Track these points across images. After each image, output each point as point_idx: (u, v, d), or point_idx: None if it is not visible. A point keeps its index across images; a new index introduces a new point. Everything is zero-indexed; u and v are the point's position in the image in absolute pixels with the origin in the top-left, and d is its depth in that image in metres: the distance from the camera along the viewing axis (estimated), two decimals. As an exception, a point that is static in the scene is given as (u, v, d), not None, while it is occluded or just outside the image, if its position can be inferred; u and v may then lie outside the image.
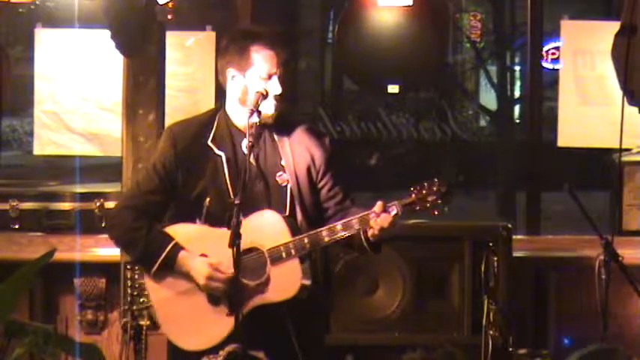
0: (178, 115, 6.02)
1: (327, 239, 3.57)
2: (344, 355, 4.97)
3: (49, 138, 6.23)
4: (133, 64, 5.00)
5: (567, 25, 6.20)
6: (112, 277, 5.28)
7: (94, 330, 5.51)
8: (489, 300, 4.96)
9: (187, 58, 6.18)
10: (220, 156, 3.65)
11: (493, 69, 16.03)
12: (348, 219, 3.58)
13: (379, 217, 3.53)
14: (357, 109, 14.07)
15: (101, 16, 5.08)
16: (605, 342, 4.48)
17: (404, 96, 13.69)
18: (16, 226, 5.80)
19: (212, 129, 3.68)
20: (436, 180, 3.54)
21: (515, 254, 5.19)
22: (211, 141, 3.67)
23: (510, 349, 5.01)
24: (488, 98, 16.35)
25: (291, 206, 3.65)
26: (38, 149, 6.32)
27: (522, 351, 5.12)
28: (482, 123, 17.23)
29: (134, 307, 4.86)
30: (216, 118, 3.72)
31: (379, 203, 3.54)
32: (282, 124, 3.74)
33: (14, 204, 5.82)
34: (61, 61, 6.17)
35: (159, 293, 3.70)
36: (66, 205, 5.86)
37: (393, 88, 6.47)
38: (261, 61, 3.66)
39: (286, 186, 3.67)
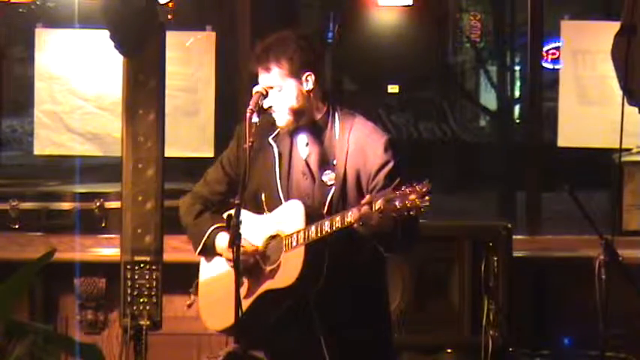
0: (178, 115, 6.06)
1: (327, 229, 3.54)
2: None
3: (49, 138, 6.23)
4: (133, 64, 4.99)
5: (567, 25, 6.20)
6: (112, 277, 5.28)
7: (94, 330, 5.52)
8: (489, 300, 4.96)
9: (187, 58, 6.18)
10: (275, 152, 3.74)
11: (493, 69, 16.00)
12: (345, 211, 3.53)
13: (361, 211, 3.45)
14: (357, 109, 14.04)
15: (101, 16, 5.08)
16: (605, 342, 4.48)
17: (404, 96, 13.65)
18: (16, 226, 5.80)
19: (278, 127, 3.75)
20: (424, 182, 3.39)
21: (515, 254, 5.18)
22: (272, 138, 3.76)
23: (510, 349, 5.01)
24: (489, 98, 16.33)
25: (330, 206, 3.65)
26: (38, 149, 6.32)
27: (522, 351, 5.12)
28: (482, 123, 17.21)
29: (134, 307, 4.87)
30: None
31: (367, 197, 3.48)
32: (347, 122, 3.78)
33: (14, 204, 5.83)
34: (61, 61, 6.17)
35: (204, 274, 3.88)
36: (66, 205, 5.87)
37: (393, 88, 6.47)
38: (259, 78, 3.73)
39: (331, 185, 3.68)
